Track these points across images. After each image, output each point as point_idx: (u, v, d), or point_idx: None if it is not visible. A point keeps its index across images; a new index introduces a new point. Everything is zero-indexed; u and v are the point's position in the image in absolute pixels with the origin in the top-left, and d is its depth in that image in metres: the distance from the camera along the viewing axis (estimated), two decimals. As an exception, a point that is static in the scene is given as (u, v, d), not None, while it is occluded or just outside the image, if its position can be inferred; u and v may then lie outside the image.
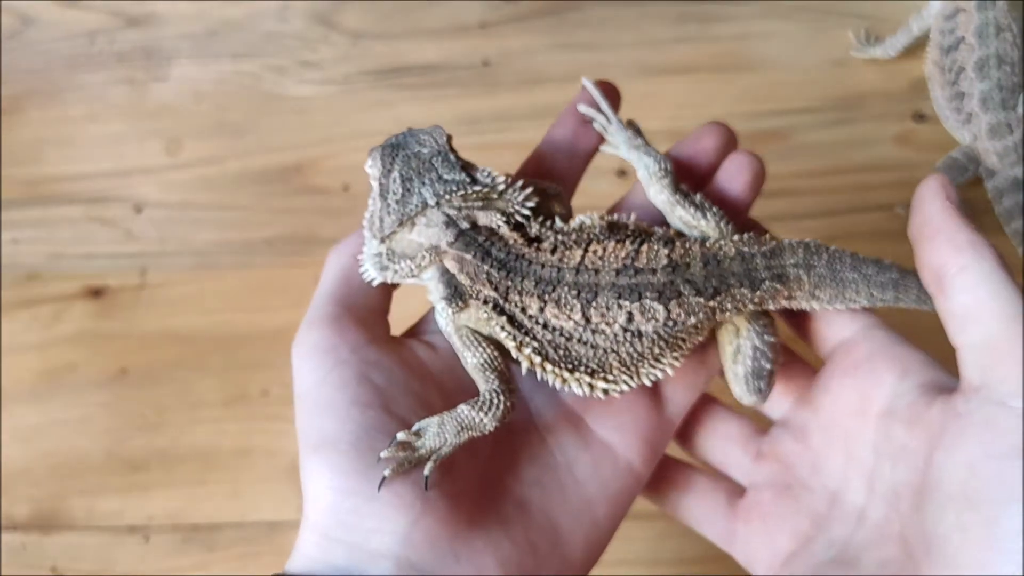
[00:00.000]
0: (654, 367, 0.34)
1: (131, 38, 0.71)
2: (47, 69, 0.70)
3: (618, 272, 0.33)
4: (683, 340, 0.35)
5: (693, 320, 0.34)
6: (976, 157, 0.60)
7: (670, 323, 0.34)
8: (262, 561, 0.54)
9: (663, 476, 0.40)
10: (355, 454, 0.30)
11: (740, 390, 0.36)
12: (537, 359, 0.33)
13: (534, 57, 0.68)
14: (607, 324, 0.33)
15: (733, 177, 0.38)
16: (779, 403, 0.39)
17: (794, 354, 0.39)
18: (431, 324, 0.36)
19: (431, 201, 0.33)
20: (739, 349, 0.36)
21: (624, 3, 0.69)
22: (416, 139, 0.34)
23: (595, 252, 0.34)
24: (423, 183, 0.33)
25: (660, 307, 0.33)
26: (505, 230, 0.34)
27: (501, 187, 0.34)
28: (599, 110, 0.39)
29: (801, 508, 0.36)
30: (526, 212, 0.34)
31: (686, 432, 0.40)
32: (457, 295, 0.33)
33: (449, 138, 0.34)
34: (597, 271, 0.33)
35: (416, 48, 0.69)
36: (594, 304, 0.33)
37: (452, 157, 0.34)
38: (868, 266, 0.36)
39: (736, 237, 0.35)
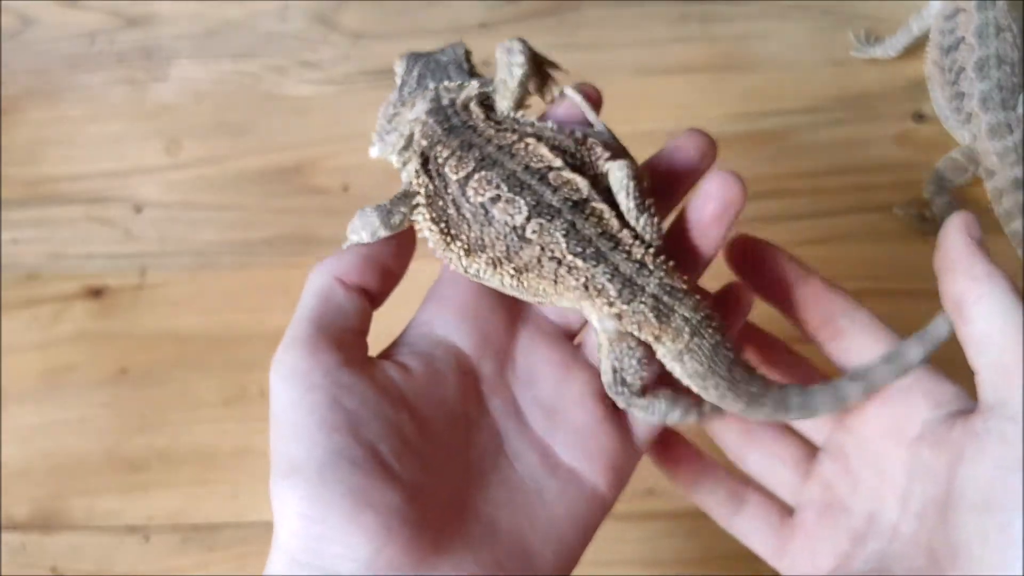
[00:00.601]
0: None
1: (131, 38, 0.71)
2: (47, 69, 0.70)
3: (526, 167, 0.34)
4: (521, 272, 0.34)
5: (535, 255, 0.33)
6: (976, 157, 0.60)
7: (519, 232, 0.33)
8: (262, 561, 0.54)
9: (719, 490, 0.41)
10: (321, 481, 0.31)
11: (607, 391, 0.36)
12: (423, 200, 0.35)
13: (534, 57, 0.68)
14: (475, 192, 0.34)
15: (703, 204, 0.35)
16: (820, 427, 0.39)
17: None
18: (404, 346, 0.36)
19: (431, 85, 0.37)
20: (600, 363, 0.35)
21: (624, 3, 0.69)
22: (441, 51, 0.39)
23: (527, 145, 0.34)
24: (433, 79, 0.38)
25: (523, 212, 0.33)
26: (475, 105, 0.37)
27: (489, 89, 0.37)
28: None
29: (841, 527, 0.37)
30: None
31: (739, 449, 0.41)
32: (406, 148, 0.37)
33: (468, 53, 0.39)
34: (513, 156, 0.34)
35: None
36: (481, 173, 0.34)
37: (465, 66, 0.38)
38: (738, 370, 0.34)
39: (653, 250, 0.34)
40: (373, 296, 0.36)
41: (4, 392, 0.60)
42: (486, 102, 0.37)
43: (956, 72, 0.61)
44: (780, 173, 0.63)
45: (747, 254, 0.39)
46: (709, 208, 0.35)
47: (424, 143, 0.36)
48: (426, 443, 0.33)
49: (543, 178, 0.33)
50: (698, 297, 0.34)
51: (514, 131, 0.35)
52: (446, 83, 0.37)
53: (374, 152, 0.38)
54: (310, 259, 0.62)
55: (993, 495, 0.31)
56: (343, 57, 0.69)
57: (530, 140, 0.34)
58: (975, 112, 0.60)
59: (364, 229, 0.35)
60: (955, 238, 0.33)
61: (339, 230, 0.36)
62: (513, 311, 0.38)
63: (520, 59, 0.36)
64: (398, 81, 0.39)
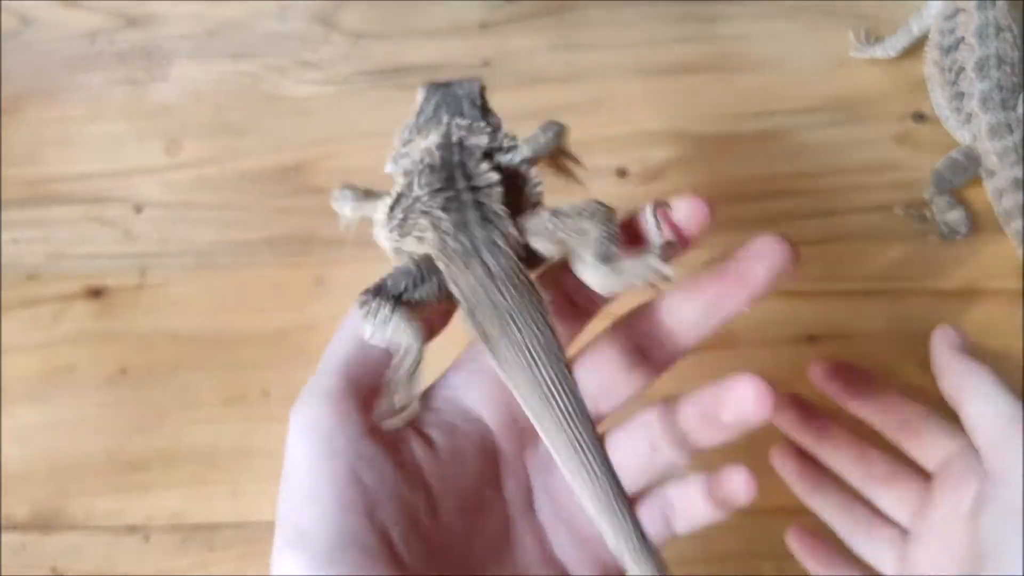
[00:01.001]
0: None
1: (131, 38, 0.71)
2: (47, 69, 0.70)
3: (473, 190, 0.37)
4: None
5: (417, 246, 0.36)
6: (976, 157, 0.60)
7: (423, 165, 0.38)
8: (262, 561, 0.54)
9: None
10: (328, 562, 0.30)
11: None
12: (387, 221, 0.38)
13: (534, 57, 0.68)
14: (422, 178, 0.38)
15: (718, 406, 0.35)
16: (903, 515, 0.45)
17: (913, 475, 0.45)
18: (431, 412, 0.35)
19: (445, 119, 0.39)
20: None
21: (624, 3, 0.69)
22: (459, 84, 0.42)
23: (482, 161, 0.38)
24: (448, 111, 0.40)
25: (441, 218, 0.36)
26: (479, 152, 0.39)
27: (499, 132, 0.40)
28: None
29: None
30: (505, 145, 0.39)
31: (849, 535, 0.46)
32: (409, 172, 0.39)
33: (483, 89, 0.41)
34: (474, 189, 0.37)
35: (416, 48, 0.69)
36: (438, 185, 0.37)
37: (479, 102, 0.41)
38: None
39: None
40: None
41: (4, 392, 0.60)
42: (490, 155, 0.39)
43: (956, 72, 0.61)
44: (780, 173, 0.63)
45: (838, 374, 0.47)
46: (725, 416, 0.34)
47: (421, 167, 0.38)
48: (436, 528, 0.33)
49: (478, 207, 0.36)
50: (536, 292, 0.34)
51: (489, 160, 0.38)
52: (458, 120, 0.39)
53: (388, 168, 0.41)
54: (310, 259, 0.63)
55: (993, 541, 0.38)
56: (343, 57, 0.69)
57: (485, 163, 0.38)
58: (975, 112, 0.60)
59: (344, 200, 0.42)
60: (942, 350, 0.44)
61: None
62: None
63: (551, 135, 0.40)
64: (417, 108, 0.41)
